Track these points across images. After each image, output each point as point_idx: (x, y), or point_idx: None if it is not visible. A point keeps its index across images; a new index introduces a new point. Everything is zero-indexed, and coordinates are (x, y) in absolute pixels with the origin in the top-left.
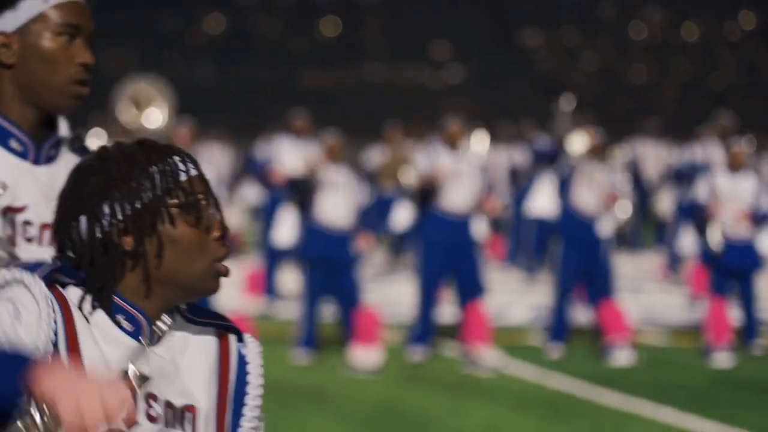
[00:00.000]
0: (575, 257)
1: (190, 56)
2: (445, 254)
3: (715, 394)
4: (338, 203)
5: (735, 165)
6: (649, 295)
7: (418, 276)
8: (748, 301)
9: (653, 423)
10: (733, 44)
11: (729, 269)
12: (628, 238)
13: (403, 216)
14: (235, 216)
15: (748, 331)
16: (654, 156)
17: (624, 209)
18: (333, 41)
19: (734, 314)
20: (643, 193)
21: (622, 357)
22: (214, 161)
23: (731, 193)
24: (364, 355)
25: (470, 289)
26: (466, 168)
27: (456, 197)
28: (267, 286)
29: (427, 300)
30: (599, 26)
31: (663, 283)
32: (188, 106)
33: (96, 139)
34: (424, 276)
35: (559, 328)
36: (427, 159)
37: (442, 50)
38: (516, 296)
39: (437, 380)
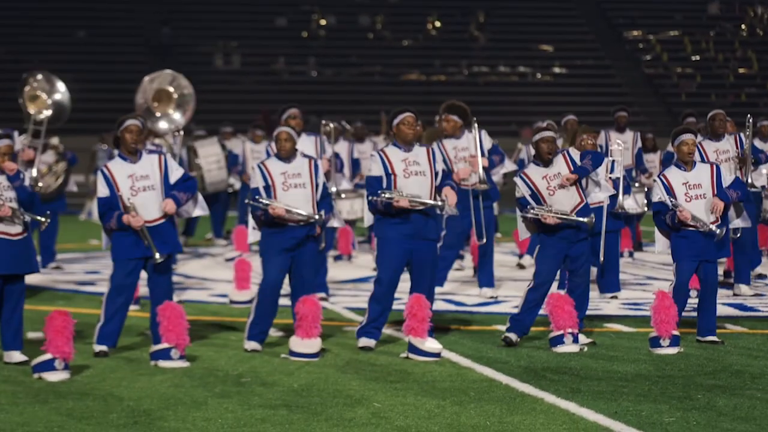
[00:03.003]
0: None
1: (299, 52)
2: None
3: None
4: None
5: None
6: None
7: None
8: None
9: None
10: None
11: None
12: None
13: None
14: None
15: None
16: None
17: None
18: (438, 38)
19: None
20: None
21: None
22: None
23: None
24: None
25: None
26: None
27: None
28: None
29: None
30: (702, 23)
31: None
32: (296, 101)
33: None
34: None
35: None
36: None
37: (546, 48)
38: None
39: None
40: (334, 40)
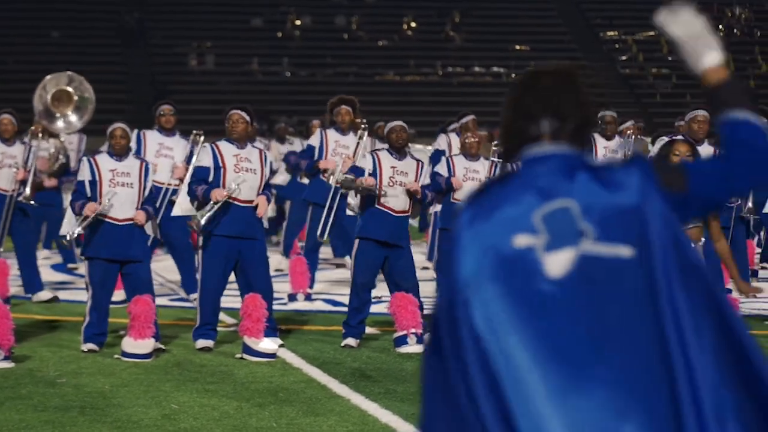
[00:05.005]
0: None
1: (273, 53)
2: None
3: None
4: None
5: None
6: None
7: None
8: None
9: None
10: None
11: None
12: None
13: None
14: None
15: None
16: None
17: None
18: (413, 38)
19: None
20: None
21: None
22: None
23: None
24: None
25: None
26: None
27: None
28: None
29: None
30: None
31: None
32: (271, 102)
33: None
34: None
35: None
36: None
37: (521, 48)
38: None
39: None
40: (309, 40)
